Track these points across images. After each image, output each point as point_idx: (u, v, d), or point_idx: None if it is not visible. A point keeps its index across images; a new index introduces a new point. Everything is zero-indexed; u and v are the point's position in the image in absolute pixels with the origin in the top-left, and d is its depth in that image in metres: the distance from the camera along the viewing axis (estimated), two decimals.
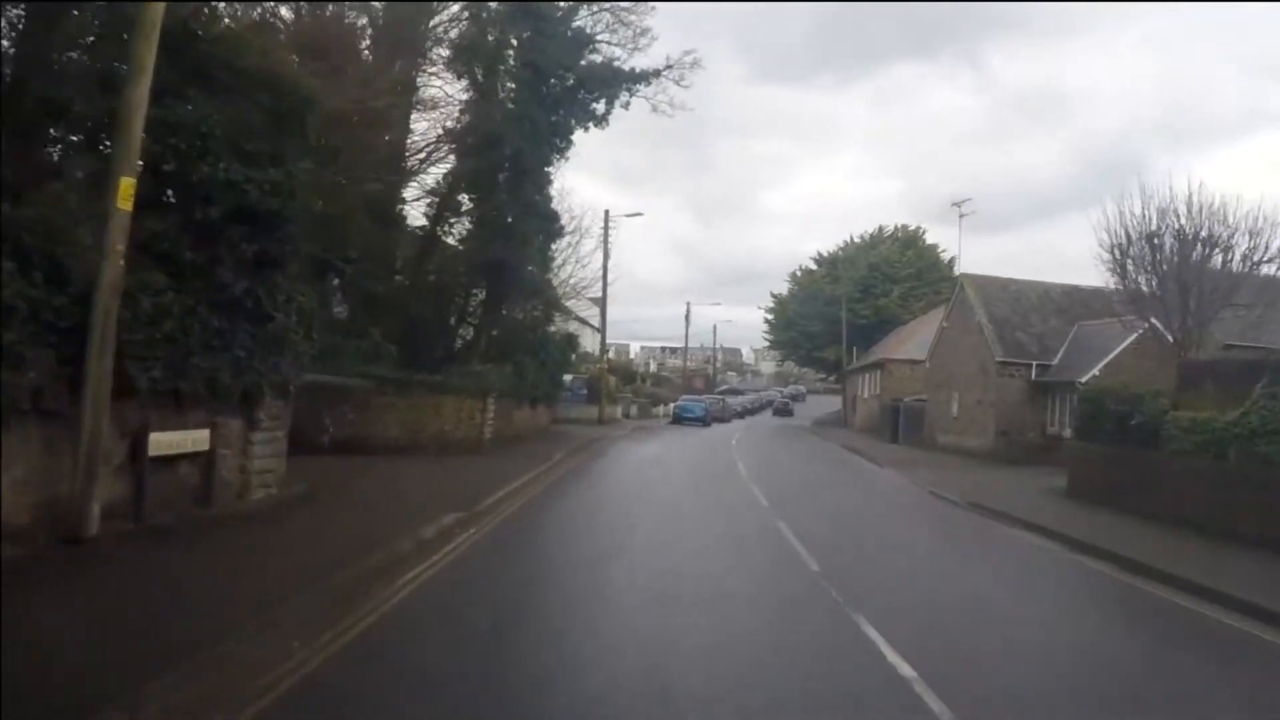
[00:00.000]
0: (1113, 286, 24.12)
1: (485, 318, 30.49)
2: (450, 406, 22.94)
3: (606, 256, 43.45)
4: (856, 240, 79.50)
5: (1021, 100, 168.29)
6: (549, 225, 30.40)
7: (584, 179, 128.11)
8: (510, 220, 28.80)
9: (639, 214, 44.42)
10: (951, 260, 78.14)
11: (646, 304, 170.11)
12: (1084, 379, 28.71)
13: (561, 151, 30.31)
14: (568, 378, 42.04)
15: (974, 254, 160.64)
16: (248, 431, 12.14)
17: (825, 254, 79.84)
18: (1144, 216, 18.91)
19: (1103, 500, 18.18)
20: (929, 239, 78.09)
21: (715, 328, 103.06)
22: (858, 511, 17.99)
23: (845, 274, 72.34)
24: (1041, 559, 12.91)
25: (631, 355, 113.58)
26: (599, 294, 43.61)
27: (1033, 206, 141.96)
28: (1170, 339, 22.18)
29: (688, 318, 77.46)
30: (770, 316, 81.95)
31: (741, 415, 75.58)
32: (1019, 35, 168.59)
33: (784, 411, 79.31)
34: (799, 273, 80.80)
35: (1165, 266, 19.03)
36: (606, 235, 43.61)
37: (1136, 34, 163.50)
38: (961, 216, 34.86)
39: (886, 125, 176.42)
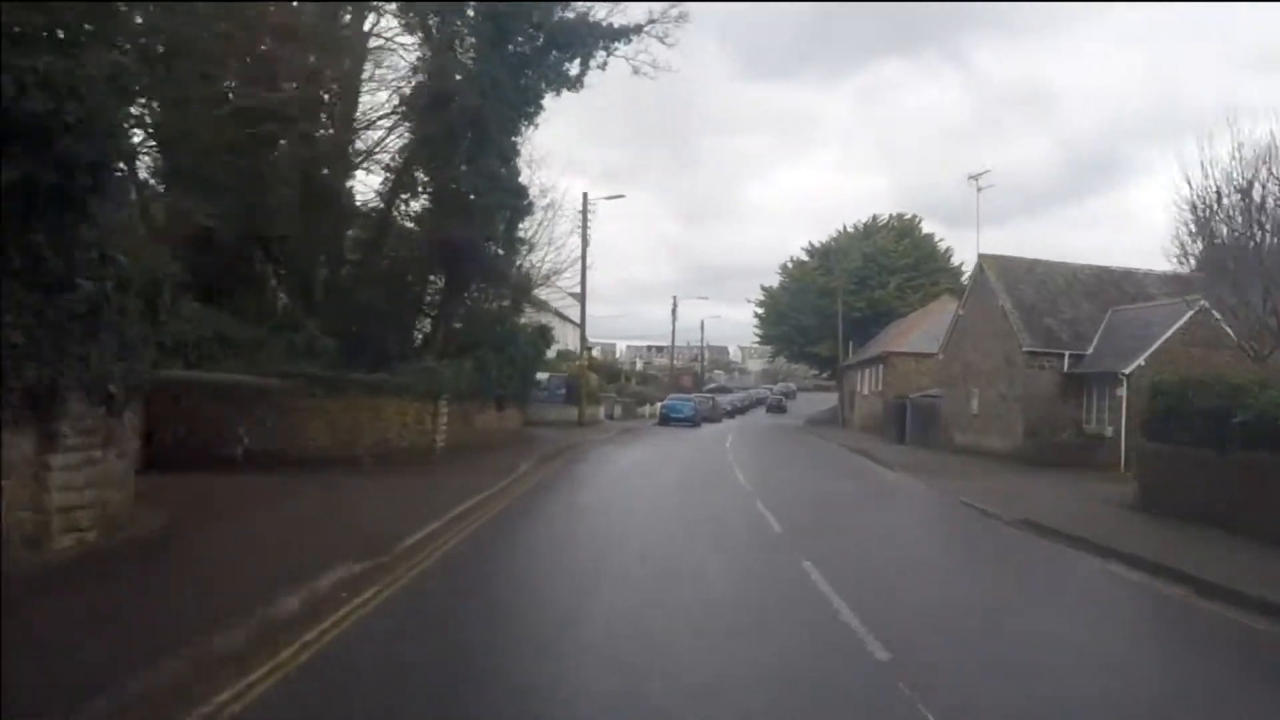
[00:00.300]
0: (1172, 267, 20.70)
1: (444, 308, 26.73)
2: (393, 409, 19.18)
3: (585, 243, 39.72)
4: (849, 230, 75.93)
5: (1006, 97, 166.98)
6: (516, 201, 26.59)
7: (569, 176, 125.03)
8: (471, 195, 25.11)
9: (620, 196, 40.61)
10: (948, 250, 75.02)
11: (632, 303, 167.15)
12: (1128, 369, 25.27)
13: (530, 117, 26.55)
14: (544, 376, 38.28)
15: (963, 247, 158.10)
16: (42, 452, 8.35)
17: (817, 244, 76.16)
18: (1236, 162, 15.25)
19: (1194, 516, 14.58)
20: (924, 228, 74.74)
21: (703, 323, 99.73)
22: (892, 537, 14.33)
23: (839, 265, 68.85)
24: (1190, 622, 9.18)
25: (618, 354, 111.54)
26: (576, 280, 39.83)
27: (1019, 202, 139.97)
28: (1232, 320, 18.86)
29: (674, 312, 73.91)
30: (760, 310, 78.17)
31: (731, 414, 72.31)
32: (1002, 33, 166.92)
33: (778, 408, 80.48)
34: (790, 264, 77.02)
35: (1259, 229, 15.43)
36: (585, 220, 39.88)
37: (1118, 30, 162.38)
38: (979, 190, 31.21)
39: (872, 122, 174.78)
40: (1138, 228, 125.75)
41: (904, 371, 44.31)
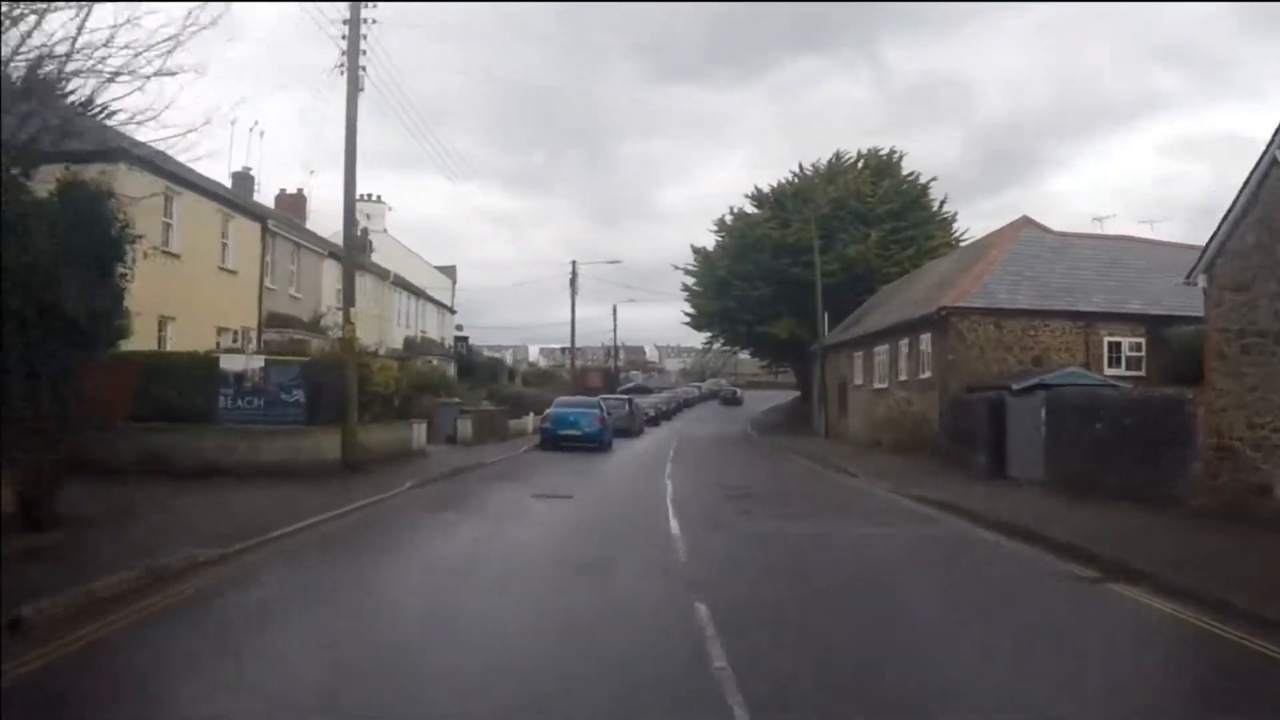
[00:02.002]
0: None
1: None
2: None
3: (356, 87, 18.80)
4: (808, 171, 56.56)
5: (918, 91, 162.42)
6: None
7: (477, 186, 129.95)
8: None
9: None
10: (944, 200, 56.23)
11: (546, 308, 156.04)
12: None
13: None
14: (249, 364, 17.22)
15: None
16: None
17: (768, 190, 56.51)
18: None
19: None
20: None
21: (615, 307, 79.90)
22: None
23: (802, 213, 49.48)
24: None
25: (531, 358, 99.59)
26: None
27: (941, 194, 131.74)
28: None
29: (574, 282, 53.48)
30: (692, 280, 58.04)
31: (655, 420, 52.21)
32: (912, 28, 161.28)
33: (733, 400, 77.87)
34: (730, 217, 57.07)
35: None
36: (356, 39, 19.01)
37: (1027, 23, 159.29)
38: None
39: (786, 121, 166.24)
40: (1059, 215, 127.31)
41: (976, 343, 24.57)
